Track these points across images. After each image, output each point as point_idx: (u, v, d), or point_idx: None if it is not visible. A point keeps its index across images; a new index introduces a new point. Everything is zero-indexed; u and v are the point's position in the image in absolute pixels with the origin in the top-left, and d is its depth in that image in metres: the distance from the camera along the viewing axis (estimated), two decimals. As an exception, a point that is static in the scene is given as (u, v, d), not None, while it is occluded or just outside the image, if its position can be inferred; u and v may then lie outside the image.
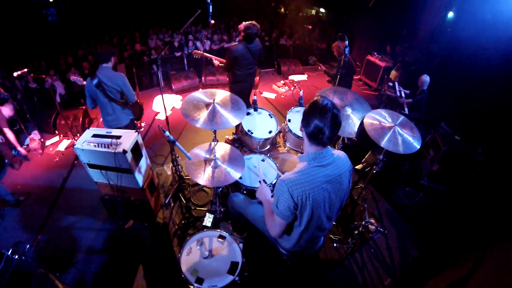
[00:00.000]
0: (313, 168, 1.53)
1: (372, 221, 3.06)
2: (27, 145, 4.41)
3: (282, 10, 11.47)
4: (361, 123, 2.69)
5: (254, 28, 3.42)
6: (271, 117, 3.35)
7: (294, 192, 1.51)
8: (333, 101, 1.50)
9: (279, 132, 3.28)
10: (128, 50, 7.09)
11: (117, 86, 2.97)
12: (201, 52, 3.84)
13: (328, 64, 4.54)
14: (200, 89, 2.77)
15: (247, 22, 3.44)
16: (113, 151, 2.39)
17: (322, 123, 1.43)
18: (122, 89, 3.00)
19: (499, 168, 3.60)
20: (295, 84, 6.68)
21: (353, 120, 2.80)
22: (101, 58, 2.90)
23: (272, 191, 2.67)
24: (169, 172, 3.70)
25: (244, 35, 3.47)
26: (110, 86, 2.93)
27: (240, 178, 2.55)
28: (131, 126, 3.27)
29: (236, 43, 3.55)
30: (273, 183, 2.63)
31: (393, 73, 6.21)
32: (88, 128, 2.70)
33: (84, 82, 3.01)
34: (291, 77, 7.09)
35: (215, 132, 2.84)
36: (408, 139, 2.48)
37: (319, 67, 4.51)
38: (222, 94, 2.73)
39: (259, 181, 2.14)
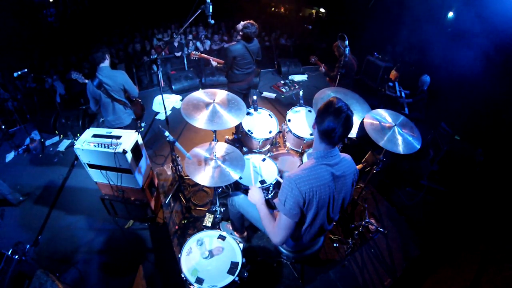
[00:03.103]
0: (321, 165, 1.55)
1: (372, 221, 3.06)
2: (27, 145, 4.41)
3: (282, 10, 11.46)
4: (361, 123, 2.69)
5: (252, 27, 3.39)
6: (271, 117, 3.34)
7: (302, 188, 1.51)
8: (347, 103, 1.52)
9: (279, 132, 3.28)
10: (127, 50, 7.07)
11: (120, 84, 2.97)
12: (199, 53, 3.83)
13: (329, 64, 4.52)
14: (200, 89, 2.77)
15: (244, 22, 3.42)
16: (113, 151, 2.39)
17: (335, 123, 1.46)
18: (124, 86, 3.01)
19: (499, 168, 3.60)
20: (295, 84, 6.67)
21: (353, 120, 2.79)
22: (97, 59, 2.87)
23: (267, 191, 2.66)
24: (169, 172, 3.70)
25: (242, 35, 3.46)
26: (112, 86, 2.93)
27: (240, 178, 2.55)
28: (132, 126, 3.27)
29: (234, 42, 3.55)
30: (273, 183, 2.63)
31: (393, 73, 6.19)
32: (88, 128, 2.70)
33: (86, 81, 3.01)
34: (291, 77, 7.08)
35: (215, 132, 2.84)
36: (408, 139, 2.47)
37: (320, 68, 4.50)
38: (222, 94, 2.73)
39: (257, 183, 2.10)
